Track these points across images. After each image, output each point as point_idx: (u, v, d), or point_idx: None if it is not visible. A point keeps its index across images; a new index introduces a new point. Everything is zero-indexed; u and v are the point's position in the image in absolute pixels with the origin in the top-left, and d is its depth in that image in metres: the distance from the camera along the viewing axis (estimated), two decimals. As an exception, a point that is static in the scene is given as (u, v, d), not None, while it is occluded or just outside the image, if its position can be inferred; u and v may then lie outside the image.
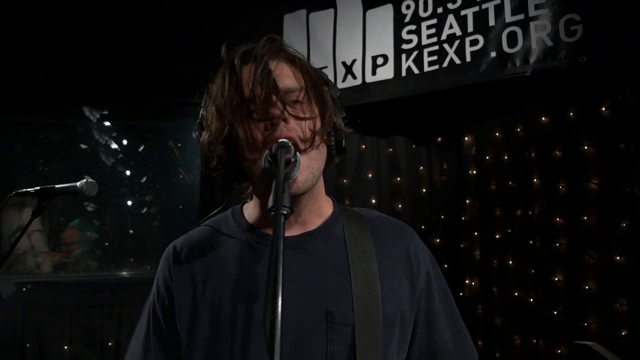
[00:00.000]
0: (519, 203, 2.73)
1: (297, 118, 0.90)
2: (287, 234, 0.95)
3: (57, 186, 1.87)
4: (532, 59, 2.47)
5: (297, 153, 0.88)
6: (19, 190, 1.88)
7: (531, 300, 2.60)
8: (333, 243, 0.96)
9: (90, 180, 1.83)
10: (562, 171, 2.50)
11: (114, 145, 5.25)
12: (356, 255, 0.94)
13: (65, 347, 2.94)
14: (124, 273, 4.00)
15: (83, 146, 5.51)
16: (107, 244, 5.31)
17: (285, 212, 0.75)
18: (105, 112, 4.40)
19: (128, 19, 3.41)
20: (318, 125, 0.93)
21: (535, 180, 2.61)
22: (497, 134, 2.90)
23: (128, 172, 5.75)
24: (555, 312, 2.46)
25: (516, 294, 2.71)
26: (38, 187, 1.88)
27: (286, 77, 0.91)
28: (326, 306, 0.89)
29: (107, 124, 4.96)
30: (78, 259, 4.51)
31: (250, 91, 0.88)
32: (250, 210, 1.01)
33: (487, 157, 2.94)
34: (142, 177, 5.66)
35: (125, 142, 5.54)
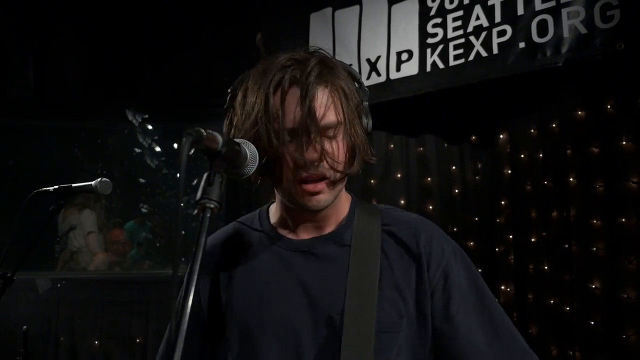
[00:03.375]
0: (555, 204, 2.55)
1: (332, 169, 0.90)
2: (302, 236, 0.99)
3: (73, 185, 1.94)
4: (564, 49, 2.30)
5: (248, 146, 0.83)
6: (40, 189, 1.97)
7: (567, 308, 2.41)
8: (341, 248, 0.97)
9: (104, 179, 1.90)
10: (599, 169, 2.30)
11: (158, 149, 5.46)
12: (358, 260, 0.94)
13: (96, 342, 3.07)
14: (154, 271, 4.13)
15: (137, 150, 5.78)
16: (158, 244, 5.55)
17: (212, 205, 0.72)
18: (146, 116, 4.57)
19: (158, 22, 3.52)
20: (350, 160, 0.94)
21: (571, 179, 2.42)
22: (532, 131, 2.73)
23: (178, 175, 5.97)
24: (592, 323, 2.27)
25: (552, 301, 2.52)
26: (56, 186, 1.96)
27: (327, 110, 0.90)
28: (328, 310, 0.91)
29: (150, 127, 5.15)
30: (133, 260, 4.72)
31: (292, 123, 0.88)
32: (274, 211, 1.04)
33: (522, 156, 2.77)
34: (192, 180, 5.86)
35: (175, 145, 5.77)
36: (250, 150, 0.83)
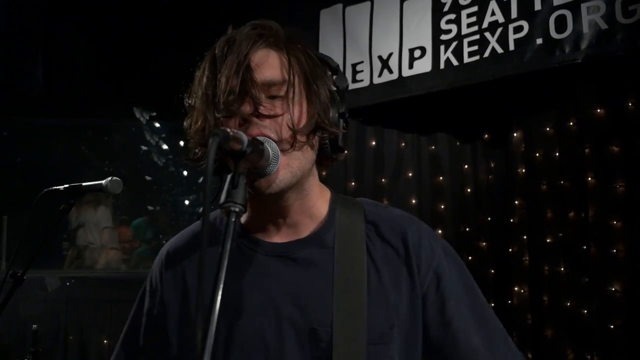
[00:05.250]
0: (572, 204, 2.49)
1: (268, 116, 0.81)
2: (276, 239, 0.90)
3: (84, 184, 1.92)
4: (583, 45, 2.24)
5: (270, 144, 0.79)
6: (50, 188, 1.95)
7: (585, 311, 2.36)
8: (323, 252, 0.88)
9: (115, 178, 1.87)
10: (620, 168, 2.25)
11: (165, 146, 5.44)
12: (343, 265, 0.86)
13: (105, 341, 3.07)
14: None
15: (144, 148, 5.77)
16: (164, 242, 5.55)
17: (237, 209, 0.68)
18: (154, 114, 4.55)
19: (166, 19, 3.49)
20: (302, 123, 0.83)
21: (589, 179, 2.37)
22: (547, 129, 2.67)
23: (185, 173, 5.97)
24: (612, 326, 2.21)
25: (568, 304, 2.47)
26: (67, 185, 1.93)
27: (269, 68, 0.83)
28: (310, 322, 0.83)
29: (157, 125, 5.14)
30: (140, 257, 4.71)
31: (225, 84, 0.81)
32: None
33: (537, 154, 2.72)
34: (199, 178, 5.86)
35: (182, 143, 5.76)
36: (272, 148, 0.79)
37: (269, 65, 0.83)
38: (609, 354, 2.21)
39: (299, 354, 0.82)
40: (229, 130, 0.66)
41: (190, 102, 0.88)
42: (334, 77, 0.91)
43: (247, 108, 0.80)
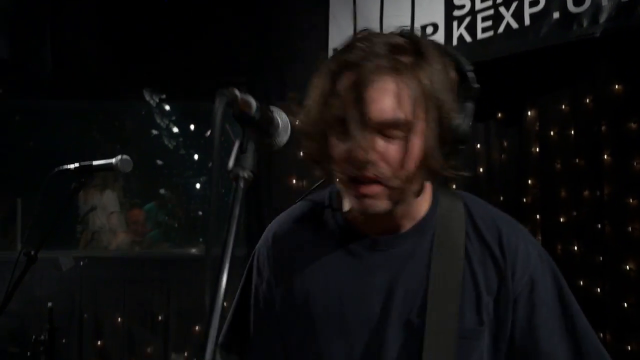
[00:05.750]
0: (587, 183, 2.46)
1: (372, 160, 0.78)
2: (378, 232, 0.91)
3: (94, 163, 1.92)
4: (602, 18, 2.18)
5: (280, 114, 0.77)
6: (61, 167, 1.95)
7: (598, 290, 2.35)
8: (422, 245, 0.90)
9: (125, 157, 1.87)
10: (637, 146, 2.21)
11: (175, 129, 5.45)
12: (441, 260, 0.88)
13: (119, 319, 3.13)
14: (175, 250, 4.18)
15: (154, 132, 5.78)
16: (176, 225, 5.60)
17: (246, 175, 0.67)
18: (164, 96, 4.53)
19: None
20: (411, 168, 0.79)
21: (605, 157, 2.33)
22: (562, 107, 2.62)
23: (196, 156, 5.99)
24: (626, 305, 2.20)
25: (581, 283, 2.45)
26: (77, 164, 1.93)
27: (387, 103, 0.77)
28: (406, 313, 0.86)
29: (167, 107, 5.13)
30: (153, 240, 4.77)
31: (334, 114, 0.80)
32: (346, 201, 0.94)
33: (552, 133, 2.67)
34: (209, 162, 5.86)
35: (192, 126, 5.76)
36: (282, 118, 0.76)
37: (384, 102, 0.77)
38: (623, 333, 2.21)
39: (396, 344, 0.85)
40: (236, 91, 0.64)
41: (305, 103, 0.86)
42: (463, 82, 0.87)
43: (360, 154, 0.78)
